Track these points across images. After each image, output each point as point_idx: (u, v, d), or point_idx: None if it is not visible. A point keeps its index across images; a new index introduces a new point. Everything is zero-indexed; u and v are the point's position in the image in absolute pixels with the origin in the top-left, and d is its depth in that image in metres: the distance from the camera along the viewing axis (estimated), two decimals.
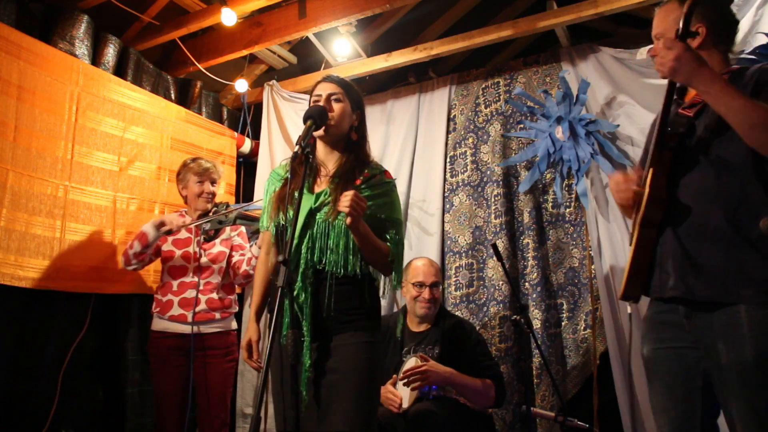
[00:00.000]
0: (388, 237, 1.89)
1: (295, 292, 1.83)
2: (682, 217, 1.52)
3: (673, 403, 1.54)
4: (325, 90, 1.94)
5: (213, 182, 2.83)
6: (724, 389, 1.44)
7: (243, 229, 2.90)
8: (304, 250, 1.84)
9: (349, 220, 1.72)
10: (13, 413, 2.57)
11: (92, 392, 2.98)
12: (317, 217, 1.85)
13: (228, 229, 2.82)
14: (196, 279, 2.69)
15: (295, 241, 1.86)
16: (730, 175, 1.48)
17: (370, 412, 1.82)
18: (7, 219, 2.56)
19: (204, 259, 2.73)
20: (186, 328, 2.63)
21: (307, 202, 1.87)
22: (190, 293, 2.67)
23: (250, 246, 2.85)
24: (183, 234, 2.79)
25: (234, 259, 2.78)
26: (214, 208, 2.78)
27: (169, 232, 2.67)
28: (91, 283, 2.89)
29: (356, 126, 1.97)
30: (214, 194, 2.83)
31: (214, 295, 2.72)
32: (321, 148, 1.97)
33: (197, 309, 2.66)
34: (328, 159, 1.97)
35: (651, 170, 1.55)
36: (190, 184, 2.81)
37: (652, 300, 1.64)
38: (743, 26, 2.67)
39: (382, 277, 1.95)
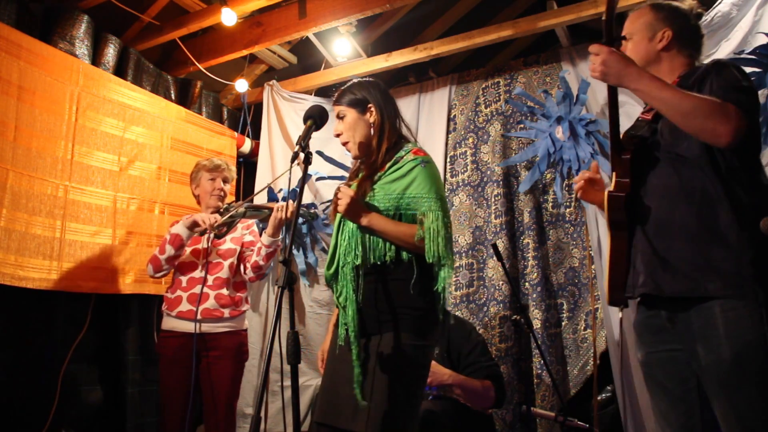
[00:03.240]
0: (419, 215, 1.81)
1: (338, 293, 1.85)
2: (648, 215, 1.55)
3: (671, 405, 1.56)
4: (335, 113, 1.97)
5: (225, 180, 2.82)
6: (708, 390, 1.46)
7: (255, 227, 2.88)
8: (341, 250, 1.87)
9: (341, 213, 1.79)
10: (13, 413, 2.57)
11: (92, 392, 2.98)
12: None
13: (239, 226, 2.81)
14: (204, 275, 2.66)
15: (333, 241, 1.92)
16: (689, 171, 1.51)
17: (404, 418, 1.75)
18: (7, 219, 2.56)
19: (214, 256, 2.70)
20: (193, 327, 2.60)
21: None
22: (199, 289, 2.64)
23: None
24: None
25: (245, 255, 2.75)
26: (225, 206, 2.75)
27: (204, 233, 2.60)
28: (91, 283, 2.89)
29: (373, 122, 1.93)
30: (225, 192, 2.81)
31: (224, 291, 2.67)
32: (364, 155, 1.97)
33: (205, 305, 2.62)
34: (368, 161, 1.97)
35: (613, 174, 1.60)
36: (203, 182, 2.80)
37: (638, 304, 1.66)
38: (743, 26, 2.67)
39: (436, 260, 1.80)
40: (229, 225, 2.73)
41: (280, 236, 2.65)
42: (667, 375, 1.56)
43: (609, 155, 3.07)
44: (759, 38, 2.59)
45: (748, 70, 2.55)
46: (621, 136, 1.63)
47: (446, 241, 1.78)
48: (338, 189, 1.85)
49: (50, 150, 2.76)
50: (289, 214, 2.52)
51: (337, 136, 1.94)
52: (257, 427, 1.43)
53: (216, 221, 2.58)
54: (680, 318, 1.50)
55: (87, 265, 2.87)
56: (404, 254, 1.82)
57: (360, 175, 1.97)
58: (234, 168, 2.94)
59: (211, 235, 2.70)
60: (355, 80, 2.03)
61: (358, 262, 1.82)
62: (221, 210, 2.73)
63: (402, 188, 1.84)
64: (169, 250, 2.61)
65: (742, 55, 2.59)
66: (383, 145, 1.92)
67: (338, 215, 1.92)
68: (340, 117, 1.94)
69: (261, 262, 2.65)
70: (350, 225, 1.86)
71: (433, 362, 2.48)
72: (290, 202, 2.57)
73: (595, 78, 1.55)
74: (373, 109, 1.93)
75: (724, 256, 1.43)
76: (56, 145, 2.79)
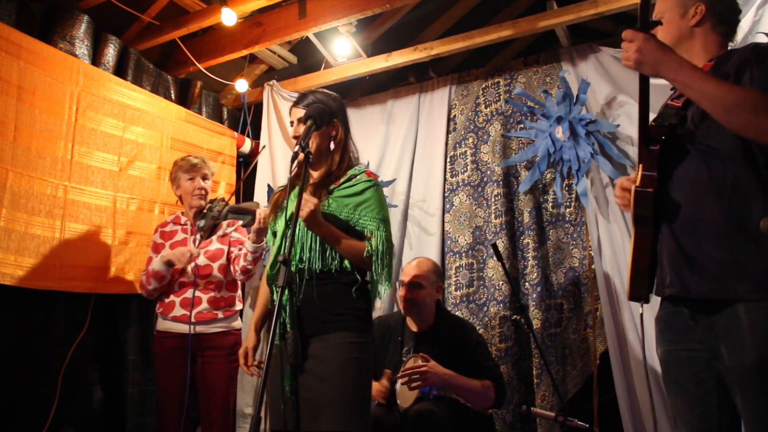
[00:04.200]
0: (367, 233, 1.93)
1: (277, 293, 1.87)
2: (676, 211, 1.48)
3: (688, 405, 1.51)
4: (294, 116, 2.03)
5: (204, 178, 2.80)
6: (732, 391, 1.41)
7: (240, 222, 2.88)
8: (285, 252, 1.88)
9: (302, 219, 1.83)
10: (13, 413, 2.57)
11: (92, 392, 2.98)
12: (299, 219, 1.91)
13: (225, 225, 2.80)
14: (194, 278, 2.67)
15: (278, 242, 1.98)
16: (721, 165, 1.43)
17: (362, 411, 1.84)
18: (7, 219, 2.56)
19: (202, 258, 2.71)
20: (188, 329, 2.62)
21: (291, 207, 1.94)
22: (191, 293, 2.66)
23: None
24: (179, 235, 2.78)
25: (233, 255, 2.76)
26: (209, 205, 2.75)
27: (182, 272, 2.65)
28: (91, 283, 2.89)
29: (334, 135, 2.01)
30: (206, 190, 2.80)
31: (216, 293, 2.70)
32: (312, 162, 2.02)
33: (200, 308, 2.64)
34: (316, 169, 2.04)
35: (640, 167, 1.52)
36: (182, 183, 2.79)
37: (662, 300, 1.61)
38: (743, 26, 2.67)
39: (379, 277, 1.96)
40: (213, 226, 2.73)
41: (264, 240, 2.66)
42: (686, 375, 1.51)
43: (608, 155, 3.10)
44: (759, 38, 2.59)
45: None
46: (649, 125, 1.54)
47: (389, 261, 1.95)
48: (278, 193, 1.91)
49: (50, 150, 2.76)
50: (266, 225, 2.53)
51: (296, 137, 1.98)
52: (257, 427, 1.43)
53: (191, 257, 2.61)
54: (702, 318, 1.45)
55: (87, 265, 2.87)
56: (347, 263, 1.93)
57: (305, 183, 2.01)
58: (212, 163, 2.93)
59: (198, 237, 2.70)
60: (319, 89, 2.12)
61: (301, 266, 1.90)
62: (204, 209, 2.74)
63: (354, 204, 1.95)
64: (154, 284, 2.65)
65: None
66: (344, 162, 2.02)
67: (282, 216, 1.99)
68: (300, 118, 1.98)
69: (249, 266, 2.67)
70: (298, 229, 1.91)
71: (433, 362, 2.49)
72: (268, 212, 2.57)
73: (628, 66, 1.45)
74: (338, 125, 2.01)
75: (755, 256, 1.37)
76: (56, 145, 2.79)
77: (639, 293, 1.57)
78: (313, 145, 1.95)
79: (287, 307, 1.85)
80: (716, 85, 1.36)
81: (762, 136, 1.34)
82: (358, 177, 1.99)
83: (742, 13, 1.67)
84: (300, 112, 1.99)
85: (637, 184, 1.50)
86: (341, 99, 2.10)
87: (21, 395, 2.61)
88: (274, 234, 2.08)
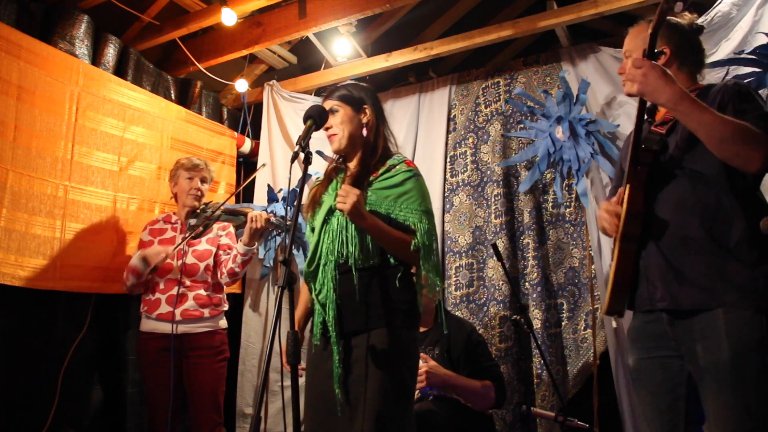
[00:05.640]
0: (412, 227, 1.83)
1: (317, 291, 1.86)
2: (662, 229, 1.55)
3: (657, 412, 1.57)
4: (325, 107, 1.99)
5: (203, 180, 2.84)
6: (703, 390, 1.47)
7: (231, 229, 2.92)
8: (323, 247, 1.87)
9: (345, 212, 1.74)
10: (13, 413, 2.57)
11: (92, 392, 2.98)
12: (335, 213, 1.87)
13: (215, 228, 2.84)
14: (180, 276, 2.69)
15: (315, 239, 1.91)
16: (705, 187, 1.52)
17: (402, 416, 1.75)
18: (7, 219, 2.55)
19: (190, 257, 2.73)
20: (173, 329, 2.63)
21: (328, 201, 1.91)
22: (176, 290, 2.68)
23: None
24: (169, 233, 2.81)
25: (221, 258, 2.78)
26: (202, 207, 2.78)
27: (154, 269, 2.65)
28: (91, 283, 2.89)
29: (366, 122, 1.96)
30: (202, 192, 2.83)
31: (203, 292, 2.72)
32: (346, 153, 1.99)
33: (186, 306, 2.67)
34: (351, 160, 1.99)
35: (628, 186, 1.60)
36: (181, 180, 2.83)
37: (636, 311, 1.66)
38: (743, 26, 2.68)
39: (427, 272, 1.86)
40: (205, 226, 2.75)
41: (255, 245, 2.69)
42: (657, 383, 1.57)
43: (608, 155, 3.10)
44: (759, 38, 2.59)
45: (747, 70, 2.56)
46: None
47: (436, 254, 1.85)
48: (315, 188, 1.90)
49: (50, 150, 2.76)
50: (261, 225, 2.58)
51: (327, 129, 1.94)
52: (257, 427, 1.44)
53: (164, 258, 2.64)
54: (682, 321, 1.52)
55: (87, 265, 2.86)
56: (391, 258, 1.84)
57: (342, 175, 1.98)
58: (213, 169, 2.98)
59: (187, 236, 2.72)
60: (350, 81, 2.06)
61: (342, 260, 1.83)
62: (198, 210, 2.76)
63: (395, 196, 1.86)
64: (132, 279, 2.68)
65: (742, 55, 2.60)
66: (379, 147, 1.95)
67: (322, 212, 1.93)
68: (332, 111, 1.94)
69: (236, 269, 2.69)
70: (335, 223, 1.86)
71: (434, 363, 2.49)
72: (263, 212, 2.64)
73: (628, 90, 1.55)
74: (368, 110, 1.96)
75: (738, 269, 1.45)
76: (56, 145, 2.79)
77: (617, 308, 1.64)
78: (345, 133, 1.93)
79: (326, 305, 1.81)
80: (714, 117, 1.44)
81: (748, 165, 1.44)
82: (397, 167, 1.91)
83: (705, 51, 1.74)
84: (329, 104, 1.95)
85: (626, 203, 1.59)
86: (371, 87, 2.04)
87: (21, 395, 2.61)
88: (313, 230, 1.98)
